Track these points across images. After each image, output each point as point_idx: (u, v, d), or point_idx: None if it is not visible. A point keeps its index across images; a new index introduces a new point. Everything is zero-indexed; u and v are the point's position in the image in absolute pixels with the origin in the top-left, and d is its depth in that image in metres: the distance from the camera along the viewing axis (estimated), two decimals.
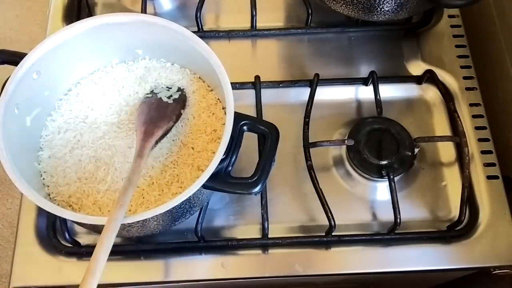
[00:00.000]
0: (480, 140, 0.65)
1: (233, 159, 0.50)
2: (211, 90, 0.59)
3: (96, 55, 0.59)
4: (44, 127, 0.57)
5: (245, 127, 0.52)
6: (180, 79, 0.60)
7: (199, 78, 0.60)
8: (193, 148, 0.55)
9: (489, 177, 0.63)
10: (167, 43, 0.57)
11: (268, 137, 0.52)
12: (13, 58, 0.53)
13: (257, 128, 0.53)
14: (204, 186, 0.47)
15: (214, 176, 0.47)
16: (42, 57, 0.53)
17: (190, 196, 0.46)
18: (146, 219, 0.47)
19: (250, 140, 0.55)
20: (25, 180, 0.47)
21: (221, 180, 0.49)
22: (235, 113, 0.50)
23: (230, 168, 0.50)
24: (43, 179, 0.55)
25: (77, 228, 0.61)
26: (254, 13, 0.71)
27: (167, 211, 0.46)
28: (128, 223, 0.47)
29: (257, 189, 0.49)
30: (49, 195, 0.54)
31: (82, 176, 0.54)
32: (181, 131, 0.56)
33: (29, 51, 0.53)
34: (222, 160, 0.48)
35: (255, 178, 0.50)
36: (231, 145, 0.50)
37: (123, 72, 0.61)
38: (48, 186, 0.54)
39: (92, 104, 0.59)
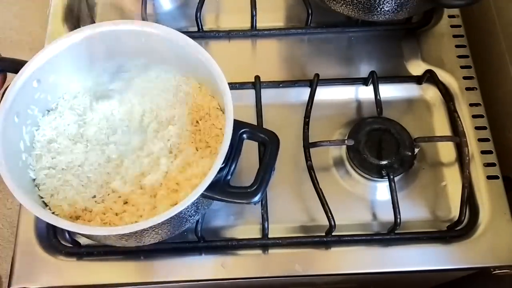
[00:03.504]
0: (480, 140, 0.65)
1: (232, 168, 0.49)
2: (213, 97, 0.58)
3: (95, 64, 0.58)
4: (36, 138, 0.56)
5: (244, 135, 0.51)
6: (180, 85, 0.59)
7: (199, 84, 0.59)
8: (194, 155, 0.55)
9: (489, 177, 0.63)
10: (167, 49, 0.55)
11: (268, 146, 0.51)
12: (13, 66, 0.52)
13: (257, 137, 0.52)
14: (203, 195, 0.47)
15: (213, 185, 0.46)
16: (43, 65, 0.52)
17: (188, 205, 0.45)
18: (144, 229, 0.46)
19: (251, 143, 0.54)
20: (23, 188, 0.47)
21: (220, 189, 0.48)
22: (235, 120, 0.49)
23: (229, 177, 0.49)
24: (39, 190, 0.54)
25: None
26: (254, 13, 0.71)
27: (166, 220, 0.45)
28: (126, 233, 0.46)
29: (256, 198, 0.49)
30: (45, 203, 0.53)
31: (78, 185, 0.54)
32: (181, 138, 0.56)
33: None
34: (221, 169, 0.47)
35: (254, 188, 0.49)
36: (230, 154, 0.49)
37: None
38: (44, 197, 0.54)
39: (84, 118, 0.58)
